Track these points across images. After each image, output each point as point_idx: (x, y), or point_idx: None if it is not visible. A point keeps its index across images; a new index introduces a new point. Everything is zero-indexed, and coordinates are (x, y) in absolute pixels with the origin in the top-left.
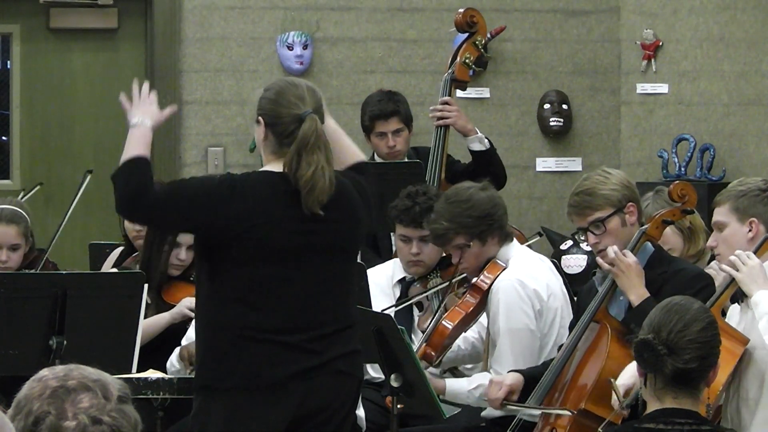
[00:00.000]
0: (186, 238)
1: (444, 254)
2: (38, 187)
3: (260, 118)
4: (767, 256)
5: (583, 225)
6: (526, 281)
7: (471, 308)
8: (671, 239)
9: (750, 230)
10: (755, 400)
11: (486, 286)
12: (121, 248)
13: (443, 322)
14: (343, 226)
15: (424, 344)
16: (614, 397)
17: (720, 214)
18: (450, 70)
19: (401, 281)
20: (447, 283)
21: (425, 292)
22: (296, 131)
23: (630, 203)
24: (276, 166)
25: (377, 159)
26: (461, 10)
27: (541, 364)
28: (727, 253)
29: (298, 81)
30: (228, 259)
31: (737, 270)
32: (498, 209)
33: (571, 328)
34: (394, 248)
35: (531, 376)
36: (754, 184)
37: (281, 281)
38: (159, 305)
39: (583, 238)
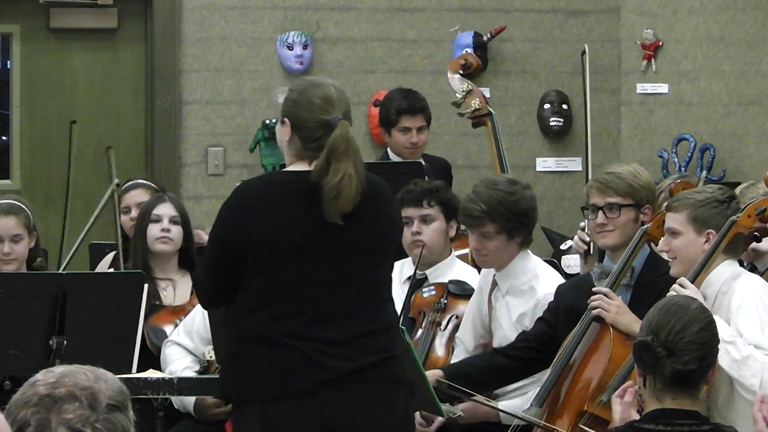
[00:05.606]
0: (166, 210)
1: (451, 250)
2: None
3: (286, 119)
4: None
5: (599, 203)
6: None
7: None
8: None
9: (707, 241)
10: (725, 404)
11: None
12: (113, 253)
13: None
14: (371, 224)
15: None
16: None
17: (676, 221)
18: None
19: (409, 279)
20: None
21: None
22: (323, 137)
23: (648, 205)
24: (299, 166)
25: (391, 156)
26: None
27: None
28: (682, 261)
29: (326, 83)
30: (247, 266)
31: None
32: (534, 212)
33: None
34: None
35: (456, 370)
36: (711, 193)
37: (303, 283)
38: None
39: (592, 216)
